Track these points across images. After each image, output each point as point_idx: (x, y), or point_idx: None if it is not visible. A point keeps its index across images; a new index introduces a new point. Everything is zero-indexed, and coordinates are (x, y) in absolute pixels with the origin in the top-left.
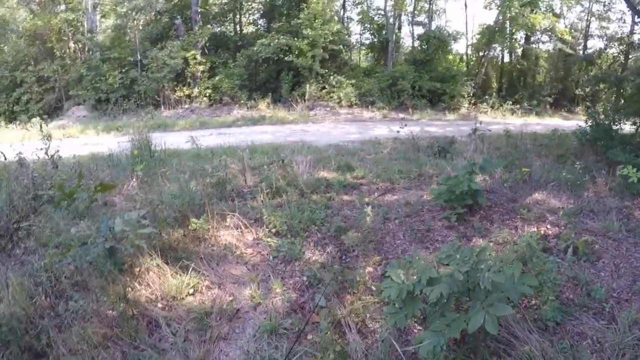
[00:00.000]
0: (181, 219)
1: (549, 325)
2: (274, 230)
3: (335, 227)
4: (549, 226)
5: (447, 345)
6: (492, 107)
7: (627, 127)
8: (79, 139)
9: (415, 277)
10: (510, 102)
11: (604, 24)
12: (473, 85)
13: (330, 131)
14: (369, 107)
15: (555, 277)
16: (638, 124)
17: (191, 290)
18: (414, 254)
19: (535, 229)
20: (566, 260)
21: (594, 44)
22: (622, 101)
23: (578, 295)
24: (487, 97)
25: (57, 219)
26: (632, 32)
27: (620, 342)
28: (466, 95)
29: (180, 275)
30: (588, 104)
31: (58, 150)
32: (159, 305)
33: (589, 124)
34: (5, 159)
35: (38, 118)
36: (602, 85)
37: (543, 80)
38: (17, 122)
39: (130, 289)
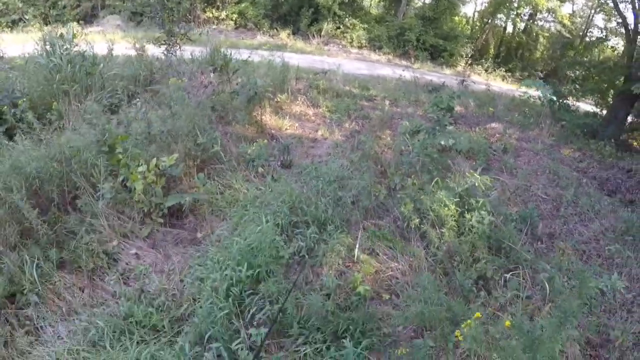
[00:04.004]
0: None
1: (479, 164)
2: (326, 110)
3: (362, 115)
4: (494, 139)
5: None
6: (486, 71)
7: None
8: (120, 44)
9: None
10: (504, 70)
11: (605, 17)
12: (472, 47)
13: (345, 64)
14: (376, 50)
15: (487, 152)
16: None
17: (288, 127)
18: (410, 119)
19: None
20: (498, 152)
21: (597, 33)
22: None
23: (500, 165)
24: (483, 60)
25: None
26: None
27: (516, 185)
28: (464, 56)
29: (280, 119)
30: (577, 85)
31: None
32: (272, 131)
33: (551, 92)
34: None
35: (75, 23)
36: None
37: (540, 56)
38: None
39: (260, 118)
